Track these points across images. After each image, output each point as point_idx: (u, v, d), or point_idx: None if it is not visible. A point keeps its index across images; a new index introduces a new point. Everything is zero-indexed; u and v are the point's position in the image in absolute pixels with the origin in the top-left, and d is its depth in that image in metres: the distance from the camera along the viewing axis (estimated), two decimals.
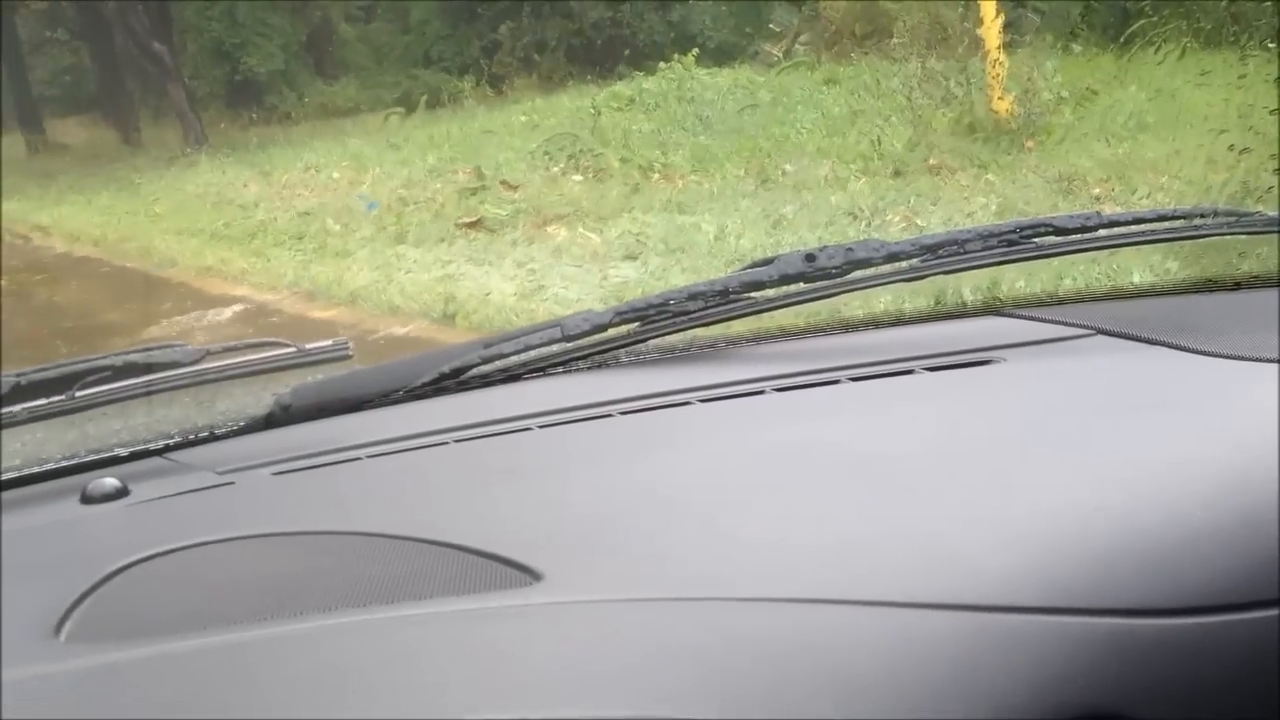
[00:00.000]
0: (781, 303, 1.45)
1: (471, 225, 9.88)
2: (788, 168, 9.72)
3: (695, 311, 1.43)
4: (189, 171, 15.63)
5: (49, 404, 1.19)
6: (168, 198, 14.01)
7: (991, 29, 9.32)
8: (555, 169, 11.35)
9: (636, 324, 1.45)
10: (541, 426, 1.25)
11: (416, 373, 1.40)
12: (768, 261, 1.46)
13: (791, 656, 0.78)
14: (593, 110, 13.05)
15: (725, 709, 0.72)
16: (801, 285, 1.45)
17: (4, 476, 1.18)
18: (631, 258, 8.10)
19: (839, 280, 1.44)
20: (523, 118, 14.59)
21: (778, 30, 16.14)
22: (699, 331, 1.47)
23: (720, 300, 1.44)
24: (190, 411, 1.34)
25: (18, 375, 1.18)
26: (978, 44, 9.63)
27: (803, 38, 15.41)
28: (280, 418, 1.34)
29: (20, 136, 24.22)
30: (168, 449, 1.27)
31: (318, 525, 0.99)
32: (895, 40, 11.69)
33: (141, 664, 0.76)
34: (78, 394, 1.20)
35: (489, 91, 18.77)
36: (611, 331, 1.45)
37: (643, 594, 0.84)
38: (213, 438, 1.30)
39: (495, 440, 1.23)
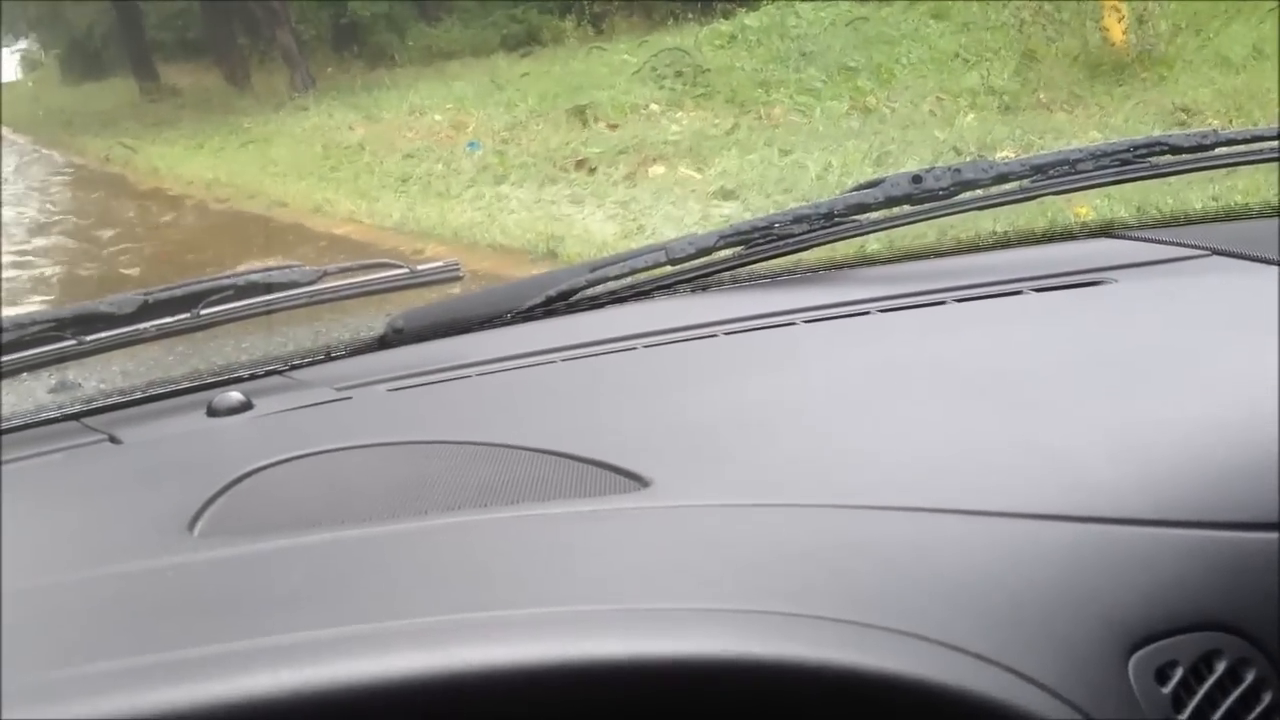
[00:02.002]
0: (887, 224, 1.44)
1: (573, 165, 9.91)
2: (892, 104, 9.56)
3: (800, 234, 1.44)
4: (296, 115, 15.89)
5: (175, 322, 1.24)
6: (276, 141, 14.27)
7: None
8: (656, 108, 11.29)
9: (740, 247, 1.46)
10: (647, 346, 1.27)
11: (525, 295, 1.43)
12: (874, 184, 1.45)
13: (903, 561, 0.79)
14: (694, 49, 12.94)
15: (835, 608, 0.73)
16: (908, 207, 1.44)
17: (135, 392, 1.24)
18: (733, 196, 8.05)
19: (946, 202, 1.43)
20: (625, 57, 14.52)
21: None
22: (803, 255, 1.48)
23: (825, 223, 1.44)
24: (307, 330, 1.39)
25: (145, 294, 1.23)
26: None
27: None
28: (393, 339, 1.38)
29: (133, 81, 24.81)
30: (287, 366, 1.31)
31: (433, 437, 1.02)
32: None
33: (274, 554, 0.80)
34: (202, 313, 1.25)
35: (590, 31, 18.69)
36: (716, 254, 1.46)
37: (752, 499, 0.86)
38: (329, 357, 1.35)
39: (602, 359, 1.25)
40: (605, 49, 15.87)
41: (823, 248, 1.46)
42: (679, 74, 11.33)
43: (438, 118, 13.26)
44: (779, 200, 7.67)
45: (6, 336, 1.16)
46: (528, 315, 1.41)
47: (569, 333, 1.36)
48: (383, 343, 1.39)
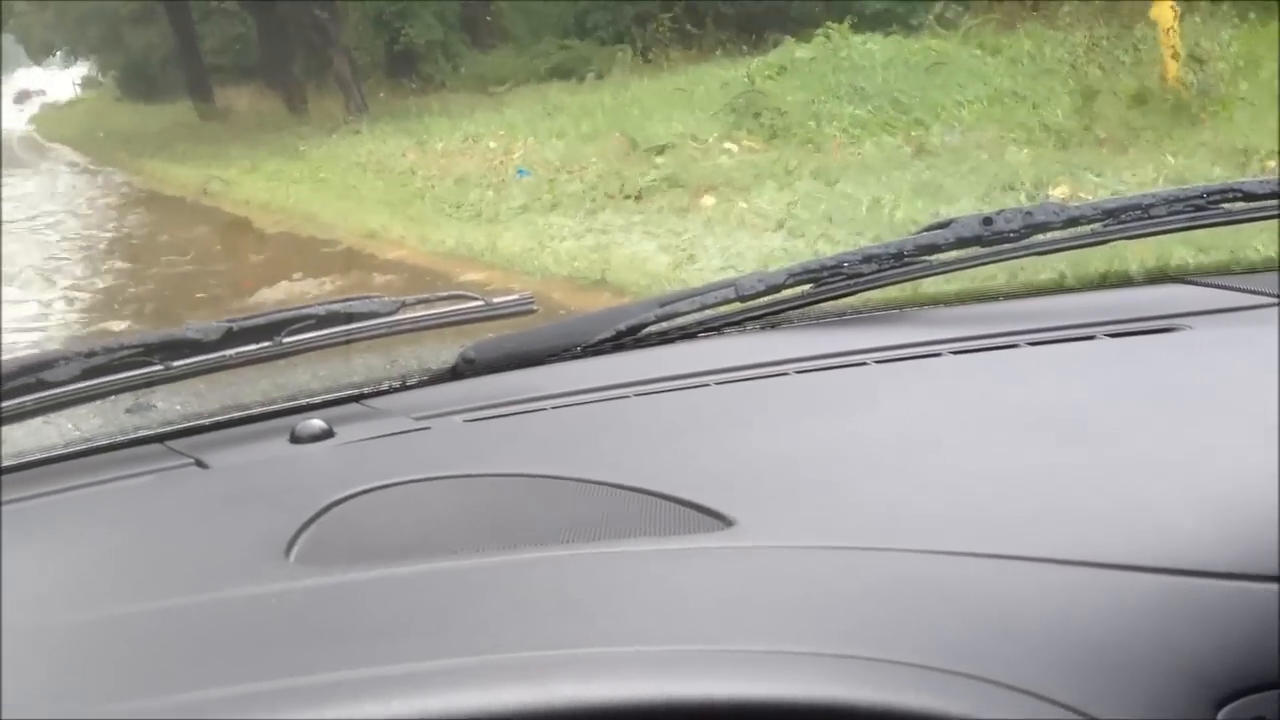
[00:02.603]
0: (957, 266, 1.45)
1: (623, 194, 9.96)
2: (946, 138, 9.55)
3: (869, 274, 1.45)
4: (350, 139, 16.08)
5: (257, 349, 1.27)
6: (330, 165, 14.44)
7: None
8: (708, 139, 11.34)
9: (809, 285, 1.47)
10: (719, 383, 1.28)
11: (594, 329, 1.45)
12: (944, 224, 1.46)
13: (985, 608, 0.79)
14: (746, 79, 13.00)
15: (918, 653, 0.74)
16: (978, 249, 1.44)
17: (220, 416, 1.26)
18: (784, 228, 8.07)
19: (1017, 244, 1.43)
20: (675, 87, 14.60)
21: None
22: (872, 294, 1.49)
23: (895, 263, 1.45)
24: (384, 360, 1.41)
25: (230, 322, 1.26)
26: (1148, 10, 9.29)
27: (963, 5, 15.05)
28: (465, 369, 1.40)
29: (190, 103, 25.21)
30: (365, 395, 1.34)
31: (513, 469, 1.04)
32: (1061, 5, 11.36)
33: (371, 584, 0.82)
34: (284, 341, 1.27)
35: (641, 61, 18.81)
36: (785, 292, 1.47)
37: (834, 541, 0.86)
38: (404, 386, 1.37)
39: (675, 395, 1.27)
40: (656, 79, 15.98)
41: (891, 287, 1.47)
42: (734, 110, 11.39)
43: (490, 145, 13.38)
44: (829, 232, 7.68)
45: (98, 360, 1.19)
46: (597, 349, 1.43)
47: (640, 368, 1.37)
48: (454, 373, 1.41)
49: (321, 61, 21.45)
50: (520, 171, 11.48)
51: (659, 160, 10.89)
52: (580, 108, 14.56)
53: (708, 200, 9.27)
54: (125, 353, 1.21)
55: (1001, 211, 1.44)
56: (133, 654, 0.77)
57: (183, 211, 13.88)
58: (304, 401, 1.31)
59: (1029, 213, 1.44)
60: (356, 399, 1.34)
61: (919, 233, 1.48)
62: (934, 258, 1.45)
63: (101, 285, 10.12)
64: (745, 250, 7.76)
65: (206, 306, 8.35)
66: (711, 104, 12.77)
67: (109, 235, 13.23)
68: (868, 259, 1.45)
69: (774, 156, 10.26)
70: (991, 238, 1.43)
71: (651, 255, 8.03)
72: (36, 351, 1.27)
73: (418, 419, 1.23)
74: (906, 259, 1.44)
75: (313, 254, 10.36)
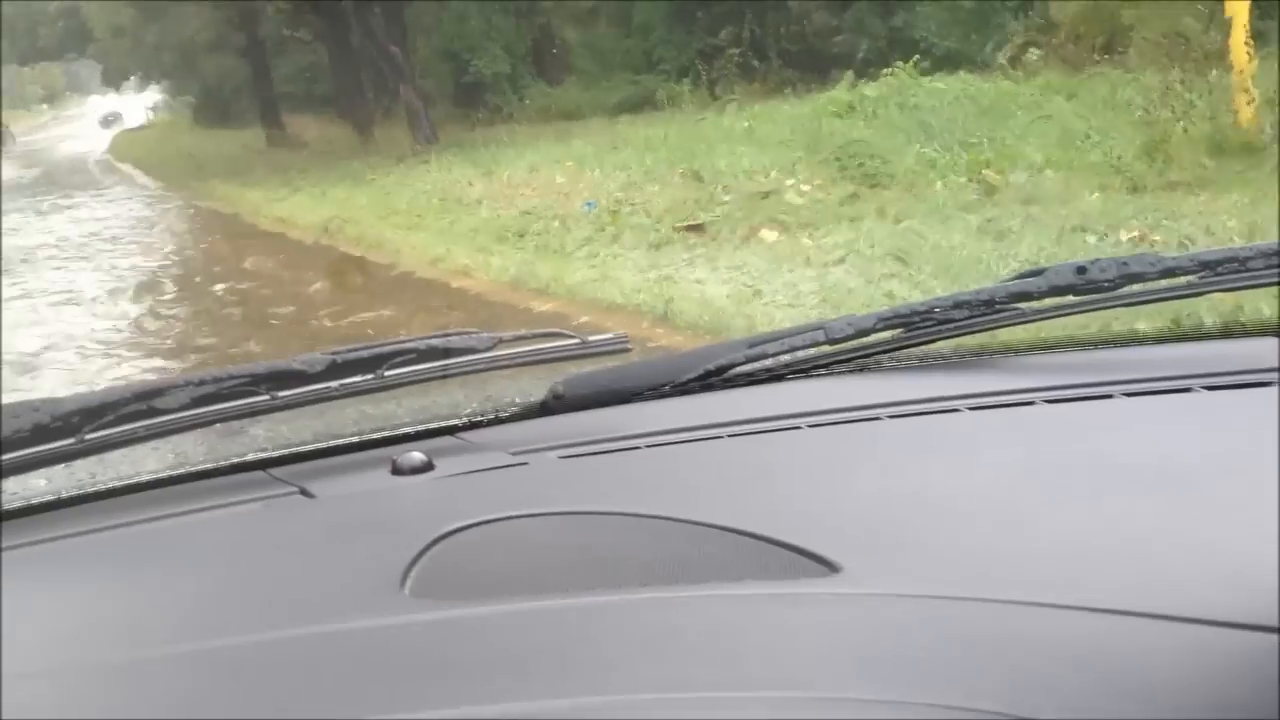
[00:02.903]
0: (1050, 314, 1.45)
1: (688, 228, 10.00)
2: (1014, 179, 9.50)
3: (960, 320, 1.45)
4: (417, 168, 16.28)
5: (360, 381, 1.29)
6: (398, 193, 14.62)
7: (1239, 37, 8.90)
8: (773, 174, 11.36)
9: (900, 330, 1.47)
10: (811, 426, 1.29)
11: (683, 369, 1.46)
12: (1037, 272, 1.46)
13: (1094, 663, 0.79)
14: (812, 116, 13.02)
15: (1023, 707, 0.74)
16: (1071, 297, 1.44)
17: (321, 445, 1.29)
18: (848, 266, 8.06)
19: (1111, 294, 1.43)
20: (740, 123, 14.66)
21: (1006, 38, 15.75)
22: (963, 340, 1.49)
23: (986, 309, 1.45)
24: (477, 393, 1.43)
25: (333, 354, 1.29)
26: (1221, 55, 9.22)
27: (1032, 47, 14.99)
28: (555, 405, 1.42)
29: (261, 129, 25.65)
30: (459, 428, 1.36)
31: (614, 508, 1.05)
32: (1132, 49, 11.28)
33: (486, 619, 0.83)
34: (385, 374, 1.30)
35: (708, 96, 18.90)
36: (874, 336, 1.47)
37: (939, 591, 0.87)
38: (497, 420, 1.39)
39: (768, 437, 1.27)
40: (721, 114, 16.05)
41: (983, 333, 1.47)
42: (799, 146, 11.43)
43: (556, 177, 13.48)
44: (895, 271, 7.65)
45: (207, 389, 1.22)
46: (686, 389, 1.44)
47: (729, 408, 1.38)
48: (544, 409, 1.43)
49: (391, 92, 21.77)
50: (587, 204, 11.56)
51: (723, 195, 10.94)
52: (645, 141, 14.64)
53: (771, 235, 9.28)
54: (233, 382, 1.24)
55: (1096, 261, 1.44)
56: (250, 683, 0.79)
57: (251, 235, 14.12)
58: (401, 433, 1.33)
59: (1124, 263, 1.43)
60: (450, 431, 1.36)
61: (1011, 279, 1.48)
62: (1026, 305, 1.45)
63: (175, 306, 10.30)
64: (809, 287, 7.77)
65: (273, 330, 8.48)
66: (777, 140, 12.82)
67: (179, 257, 13.49)
68: (959, 305, 1.45)
69: (839, 194, 10.26)
70: (1085, 287, 1.43)
71: (715, 289, 8.05)
72: (142, 379, 1.30)
73: (514, 454, 1.25)
74: (998, 306, 1.45)
75: (379, 279, 10.50)
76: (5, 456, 1.15)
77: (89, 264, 12.63)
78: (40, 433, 1.17)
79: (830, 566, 0.89)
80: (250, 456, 1.28)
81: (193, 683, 0.80)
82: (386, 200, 14.39)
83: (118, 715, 0.78)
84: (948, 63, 15.17)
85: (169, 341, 8.87)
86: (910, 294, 6.31)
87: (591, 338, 1.43)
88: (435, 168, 15.98)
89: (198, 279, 11.64)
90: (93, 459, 1.23)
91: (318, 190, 16.11)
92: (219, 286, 10.89)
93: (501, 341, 1.37)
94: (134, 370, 7.80)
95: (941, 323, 1.45)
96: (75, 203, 18.15)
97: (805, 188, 10.78)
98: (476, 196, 13.43)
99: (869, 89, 13.70)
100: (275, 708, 0.74)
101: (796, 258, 8.57)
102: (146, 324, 9.65)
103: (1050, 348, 1.50)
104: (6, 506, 1.20)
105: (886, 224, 8.91)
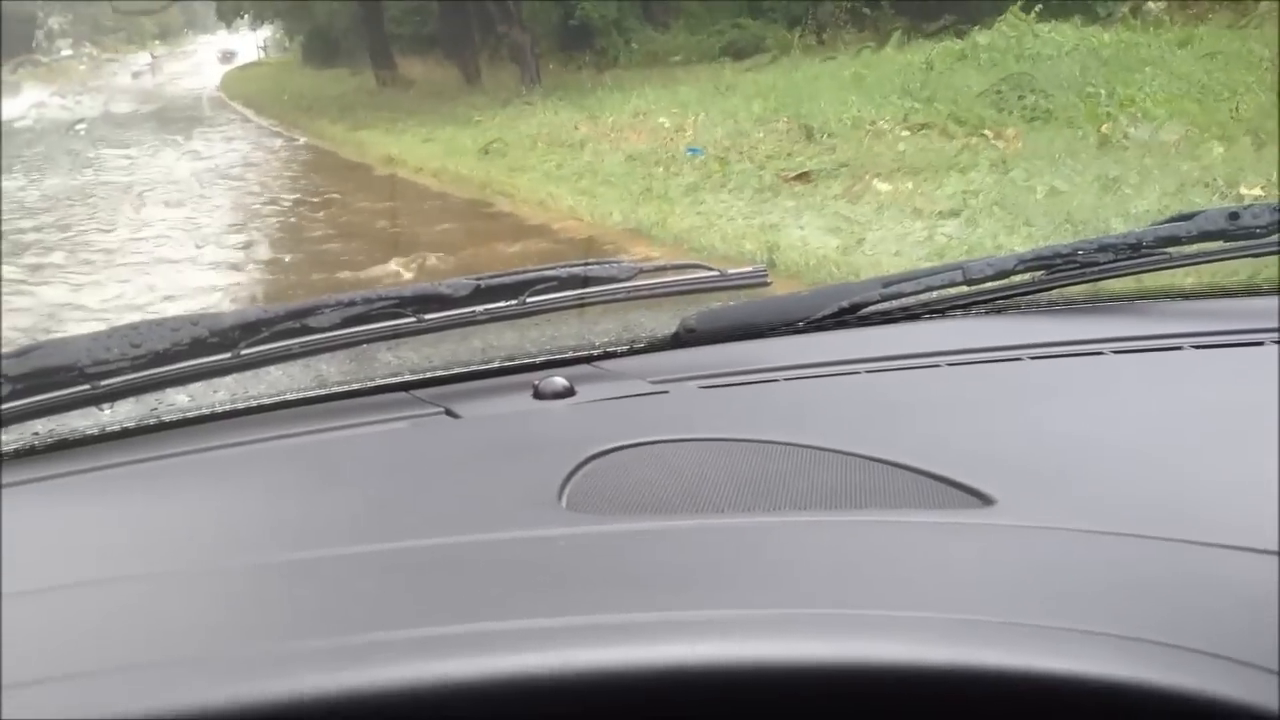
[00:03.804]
0: (1198, 259, 1.42)
1: (795, 177, 9.91)
2: (1131, 130, 9.24)
3: (1104, 263, 1.43)
4: (523, 111, 16.30)
5: (503, 307, 1.31)
6: (503, 135, 14.67)
7: None
8: (882, 123, 11.19)
9: (1040, 272, 1.45)
10: (950, 364, 1.28)
11: (816, 306, 1.46)
12: (1187, 216, 1.43)
13: (1248, 600, 0.79)
14: (924, 65, 12.77)
15: (1182, 639, 0.74)
16: (1221, 243, 1.41)
17: (464, 369, 1.32)
18: (958, 216, 7.93)
19: (1263, 240, 1.39)
20: (849, 70, 14.42)
21: None
22: (1104, 284, 1.46)
23: (1131, 253, 1.42)
24: (616, 323, 1.45)
25: (477, 279, 1.31)
26: None
27: None
28: (686, 338, 1.43)
29: (370, 70, 25.88)
30: (594, 356, 1.38)
31: (760, 436, 1.06)
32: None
33: (646, 534, 0.85)
34: (527, 300, 1.31)
35: (816, 42, 18.63)
36: (1014, 278, 1.46)
37: (1096, 526, 0.86)
38: (632, 350, 1.40)
39: (907, 374, 1.27)
40: (830, 61, 15.81)
41: (1127, 278, 1.45)
42: (910, 95, 11.22)
43: (662, 121, 13.42)
44: (1006, 222, 7.51)
45: (356, 309, 1.25)
46: (819, 325, 1.44)
47: (864, 345, 1.38)
48: (676, 340, 1.44)
49: (498, 34, 21.80)
50: (692, 150, 11.50)
51: (831, 143, 10.80)
52: (753, 88, 14.49)
53: (880, 185, 9.16)
54: (381, 303, 1.27)
55: (1249, 206, 1.41)
56: (418, 585, 0.81)
57: (360, 175, 14.31)
58: (541, 359, 1.36)
59: (1278, 209, 1.40)
60: (587, 360, 1.38)
61: (1158, 224, 1.46)
62: (1174, 250, 1.42)
63: (290, 241, 10.50)
64: (917, 238, 7.67)
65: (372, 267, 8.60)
66: (887, 88, 12.60)
67: (288, 193, 13.73)
68: (1103, 248, 1.43)
69: (950, 144, 10.07)
70: (1237, 232, 1.40)
71: (820, 239, 7.98)
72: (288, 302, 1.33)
73: (654, 382, 1.26)
74: (1145, 250, 1.42)
75: (482, 220, 10.59)
76: (166, 369, 1.20)
77: (209, 200, 12.90)
78: (199, 347, 1.21)
79: (984, 499, 0.90)
80: (395, 378, 1.32)
81: (357, 585, 0.83)
82: (492, 142, 14.45)
83: (279, 613, 0.81)
84: (1065, 11, 14.74)
85: (285, 277, 9.06)
86: (1022, 247, 6.17)
87: (731, 270, 1.43)
88: (540, 111, 15.99)
89: (303, 215, 11.82)
90: (248, 374, 1.27)
91: (424, 130, 16.22)
92: (322, 222, 11.06)
93: (642, 271, 1.38)
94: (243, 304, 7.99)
95: (1085, 265, 1.43)
96: (192, 137, 18.53)
97: (915, 137, 10.61)
98: (581, 140, 13.42)
99: (983, 37, 13.37)
100: (445, 610, 0.76)
101: (904, 208, 8.45)
102: (261, 256, 9.87)
103: (1197, 294, 1.47)
104: (165, 418, 1.25)
105: (998, 175, 8.74)
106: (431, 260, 8.38)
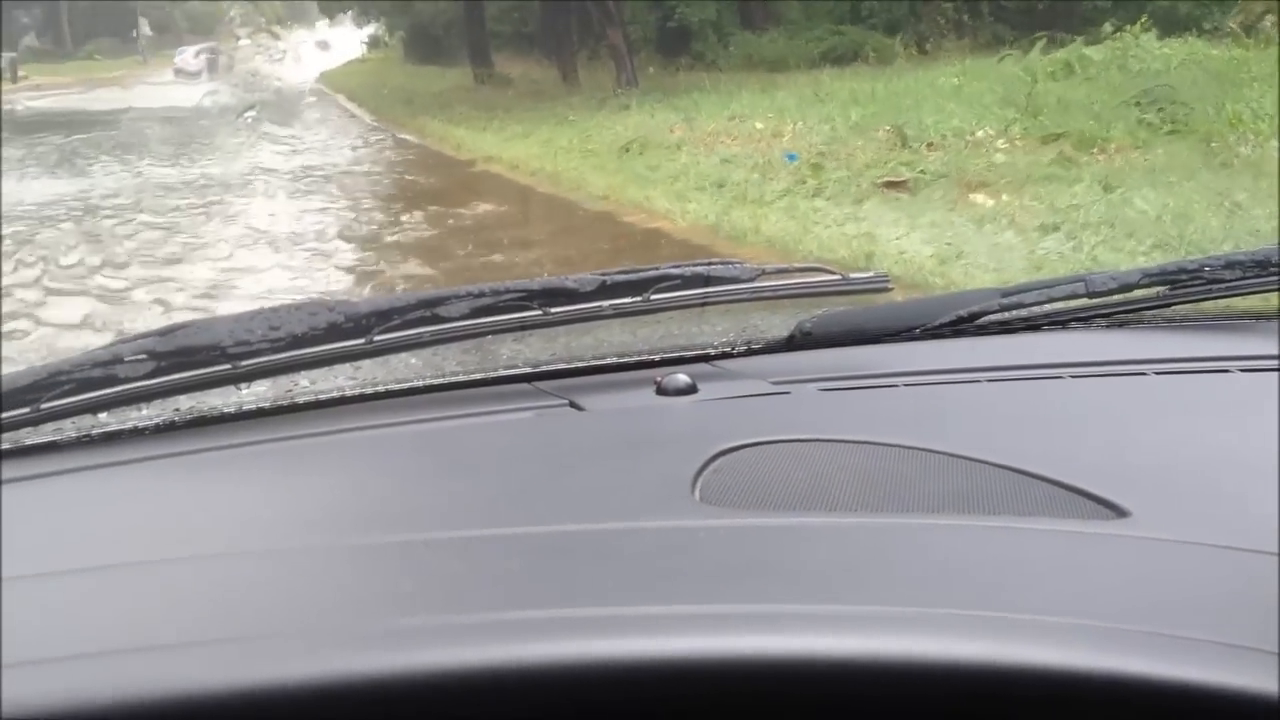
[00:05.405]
0: None
1: (891, 185, 9.83)
2: (1243, 150, 9.03)
3: (1231, 280, 1.41)
4: (619, 112, 16.37)
5: (628, 303, 1.33)
6: (599, 136, 14.74)
7: None
8: (983, 134, 11.06)
9: (1165, 287, 1.44)
10: (1074, 376, 1.28)
11: (934, 313, 1.46)
12: None
13: None
14: (1026, 77, 12.60)
15: None
16: None
17: (588, 362, 1.34)
18: (1058, 231, 7.81)
19: None
20: (950, 80, 14.28)
21: (1240, 4, 14.91)
22: (1232, 301, 1.45)
23: (1259, 270, 1.40)
24: (732, 323, 1.46)
25: (604, 275, 1.33)
26: None
27: (1269, 15, 14.15)
28: (801, 341, 1.44)
29: (469, 68, 26.17)
30: (711, 356, 1.39)
31: (885, 440, 1.06)
32: None
33: (777, 529, 0.86)
34: (652, 297, 1.33)
35: (916, 51, 18.48)
36: (1137, 292, 1.45)
37: (1236, 543, 0.86)
38: (750, 351, 1.42)
39: (1030, 384, 1.27)
40: (930, 70, 15.67)
41: (1253, 296, 1.43)
42: (1012, 106, 11.06)
43: (758, 126, 13.40)
44: (1109, 239, 7.39)
45: (485, 300, 1.28)
46: (936, 333, 1.44)
47: (983, 354, 1.38)
48: (791, 343, 1.45)
49: (597, 35, 21.92)
50: (789, 156, 11.47)
51: (929, 153, 10.70)
52: (850, 95, 14.41)
53: (978, 197, 9.05)
54: (510, 295, 1.29)
55: None
56: (563, 568, 0.83)
57: (456, 170, 14.48)
58: (660, 356, 1.37)
59: None
60: (705, 359, 1.39)
61: None
62: None
63: (387, 235, 10.66)
64: (1015, 252, 7.56)
65: (470, 264, 8.71)
66: (988, 99, 12.45)
67: (391, 189, 13.94)
68: (1230, 264, 1.41)
69: (1052, 157, 9.92)
70: None
71: (915, 248, 7.90)
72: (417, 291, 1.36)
73: (774, 383, 1.27)
74: (1273, 267, 1.40)
75: (578, 219, 10.66)
76: (302, 351, 1.24)
77: (317, 189, 13.14)
78: (334, 331, 1.24)
79: (1118, 511, 0.89)
80: (518, 369, 1.34)
81: (500, 565, 0.85)
82: (587, 142, 14.54)
83: (420, 589, 0.83)
84: (1174, 25, 14.45)
85: (385, 269, 9.20)
86: (1124, 266, 6.07)
87: (853, 275, 1.44)
88: (636, 112, 16.04)
89: (401, 210, 11.98)
90: (378, 360, 1.30)
91: (521, 129, 16.36)
92: (420, 218, 11.21)
93: (764, 274, 1.39)
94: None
95: (1211, 282, 1.41)
96: (293, 128, 18.90)
97: (1015, 149, 10.47)
98: (676, 142, 13.44)
99: (1090, 50, 13.16)
100: (591, 593, 0.78)
101: (1002, 220, 8.34)
102: (363, 251, 10.03)
103: None
104: (299, 400, 1.29)
105: (1102, 190, 8.59)
106: (509, 258, 8.49)
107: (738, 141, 12.92)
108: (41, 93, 29.43)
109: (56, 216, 11.33)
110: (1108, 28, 13.27)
